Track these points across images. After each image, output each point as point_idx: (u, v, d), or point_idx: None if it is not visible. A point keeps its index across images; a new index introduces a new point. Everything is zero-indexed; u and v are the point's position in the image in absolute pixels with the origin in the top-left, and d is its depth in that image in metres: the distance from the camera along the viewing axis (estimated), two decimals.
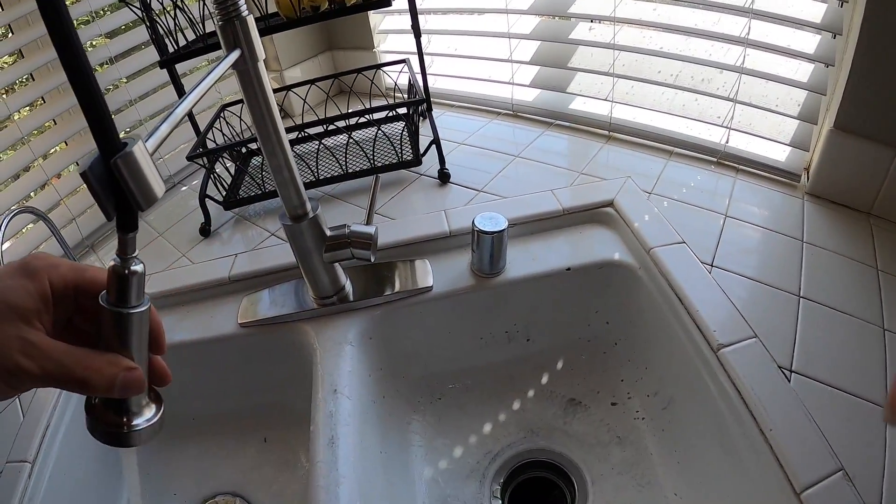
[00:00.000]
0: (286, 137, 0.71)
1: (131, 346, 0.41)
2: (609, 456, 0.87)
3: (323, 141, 1.17)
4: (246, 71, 0.64)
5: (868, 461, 0.63)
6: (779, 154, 1.13)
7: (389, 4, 1.01)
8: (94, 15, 1.20)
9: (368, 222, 0.81)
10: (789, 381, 0.71)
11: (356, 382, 0.80)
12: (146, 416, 0.44)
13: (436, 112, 1.45)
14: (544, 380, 0.98)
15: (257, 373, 0.95)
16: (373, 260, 0.79)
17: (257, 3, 1.10)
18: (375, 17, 1.57)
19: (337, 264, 0.85)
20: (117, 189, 0.37)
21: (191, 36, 1.14)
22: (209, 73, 0.54)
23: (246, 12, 0.60)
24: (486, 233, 0.84)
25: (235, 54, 0.61)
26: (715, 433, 0.74)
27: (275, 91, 1.29)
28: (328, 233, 0.79)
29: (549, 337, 0.99)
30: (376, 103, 1.11)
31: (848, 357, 0.75)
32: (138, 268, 0.40)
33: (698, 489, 0.77)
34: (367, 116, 1.08)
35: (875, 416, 0.68)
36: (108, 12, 1.25)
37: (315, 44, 1.65)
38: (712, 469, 0.75)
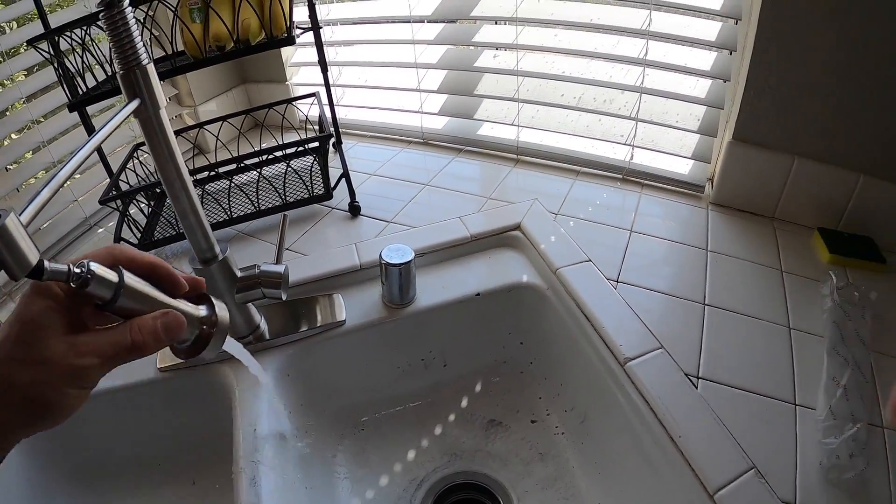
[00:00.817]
0: (191, 183, 0.70)
1: (141, 312, 0.46)
2: (532, 472, 0.88)
3: (235, 178, 1.15)
4: (148, 118, 0.63)
5: (780, 457, 0.66)
6: (682, 167, 1.17)
7: (293, 43, 1.01)
8: (4, 55, 1.15)
9: (278, 261, 0.82)
10: (696, 387, 0.73)
11: (275, 420, 0.80)
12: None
13: (347, 143, 1.45)
14: (464, 403, 0.99)
15: (181, 416, 0.93)
16: (284, 298, 0.79)
17: (164, 43, 1.08)
18: (287, 51, 1.57)
19: (250, 304, 0.84)
20: None
21: (101, 75, 1.12)
22: (102, 127, 0.54)
23: (146, 61, 0.60)
24: (393, 265, 0.85)
25: (134, 104, 0.60)
26: (629, 443, 0.77)
27: (186, 129, 1.28)
28: (238, 274, 0.79)
29: (466, 361, 1.00)
30: (289, 137, 1.11)
31: (755, 359, 0.78)
32: (86, 278, 0.43)
33: (619, 497, 0.79)
34: (276, 153, 1.08)
35: (785, 413, 0.71)
36: (26, 49, 1.21)
37: (229, 78, 1.64)
38: (631, 477, 0.77)
